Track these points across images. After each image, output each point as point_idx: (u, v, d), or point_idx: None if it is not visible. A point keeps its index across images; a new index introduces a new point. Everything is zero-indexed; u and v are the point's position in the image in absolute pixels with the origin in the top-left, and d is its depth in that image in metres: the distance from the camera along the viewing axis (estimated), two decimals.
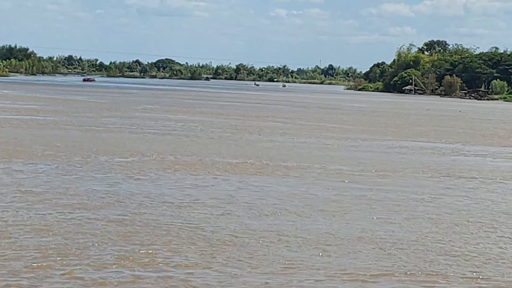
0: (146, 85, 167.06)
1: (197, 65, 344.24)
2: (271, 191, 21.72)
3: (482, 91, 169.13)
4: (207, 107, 71.80)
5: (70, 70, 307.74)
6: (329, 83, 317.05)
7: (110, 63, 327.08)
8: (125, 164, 26.06)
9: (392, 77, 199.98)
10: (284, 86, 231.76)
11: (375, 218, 18.37)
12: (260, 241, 15.48)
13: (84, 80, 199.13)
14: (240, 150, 32.68)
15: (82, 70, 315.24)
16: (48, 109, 56.26)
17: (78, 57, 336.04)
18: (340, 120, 59.59)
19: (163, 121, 48.80)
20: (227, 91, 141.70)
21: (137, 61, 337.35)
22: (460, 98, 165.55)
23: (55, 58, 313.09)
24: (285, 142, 37.88)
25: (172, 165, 26.38)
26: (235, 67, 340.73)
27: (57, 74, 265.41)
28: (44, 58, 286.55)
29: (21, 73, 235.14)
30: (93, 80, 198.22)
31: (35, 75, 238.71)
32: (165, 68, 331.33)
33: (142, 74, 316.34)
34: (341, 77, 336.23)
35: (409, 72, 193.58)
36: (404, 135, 46.45)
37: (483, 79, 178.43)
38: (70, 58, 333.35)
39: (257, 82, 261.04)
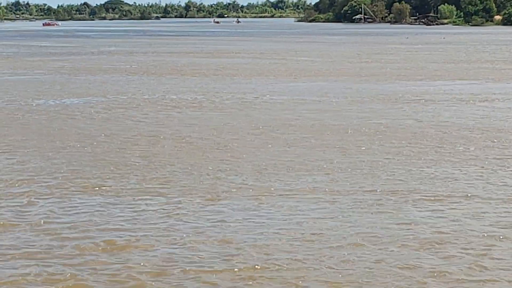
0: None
1: (146, 5, 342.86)
2: None
3: (431, 16, 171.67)
4: None
5: (18, 16, 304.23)
6: (280, 16, 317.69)
7: (58, 6, 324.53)
8: None
9: (342, 7, 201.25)
10: (239, 22, 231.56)
11: None
12: None
13: (44, 24, 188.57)
14: None
15: (30, 15, 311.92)
16: None
17: (25, 2, 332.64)
18: None
19: None
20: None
21: (85, 3, 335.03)
22: (410, 24, 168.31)
23: (2, 4, 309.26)
24: None
25: None
26: (184, 5, 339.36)
27: (5, 21, 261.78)
28: None
29: None
30: (56, 25, 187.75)
31: None
32: (114, 9, 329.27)
33: (91, 16, 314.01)
34: (291, 9, 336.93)
35: (358, 1, 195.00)
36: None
37: (432, 4, 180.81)
38: (17, 3, 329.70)
39: (216, 19, 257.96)
